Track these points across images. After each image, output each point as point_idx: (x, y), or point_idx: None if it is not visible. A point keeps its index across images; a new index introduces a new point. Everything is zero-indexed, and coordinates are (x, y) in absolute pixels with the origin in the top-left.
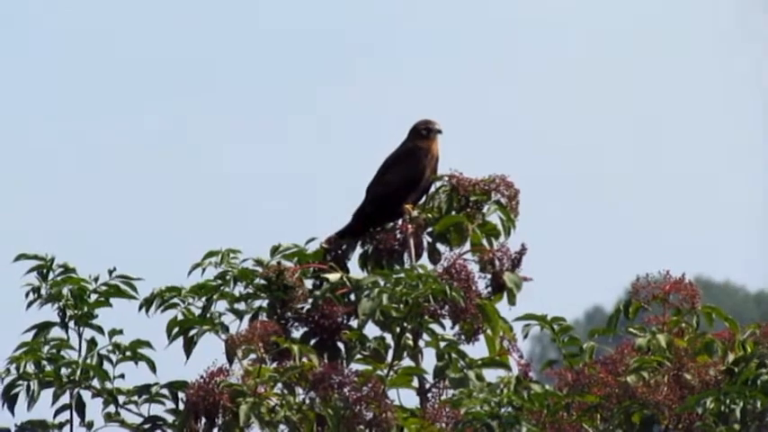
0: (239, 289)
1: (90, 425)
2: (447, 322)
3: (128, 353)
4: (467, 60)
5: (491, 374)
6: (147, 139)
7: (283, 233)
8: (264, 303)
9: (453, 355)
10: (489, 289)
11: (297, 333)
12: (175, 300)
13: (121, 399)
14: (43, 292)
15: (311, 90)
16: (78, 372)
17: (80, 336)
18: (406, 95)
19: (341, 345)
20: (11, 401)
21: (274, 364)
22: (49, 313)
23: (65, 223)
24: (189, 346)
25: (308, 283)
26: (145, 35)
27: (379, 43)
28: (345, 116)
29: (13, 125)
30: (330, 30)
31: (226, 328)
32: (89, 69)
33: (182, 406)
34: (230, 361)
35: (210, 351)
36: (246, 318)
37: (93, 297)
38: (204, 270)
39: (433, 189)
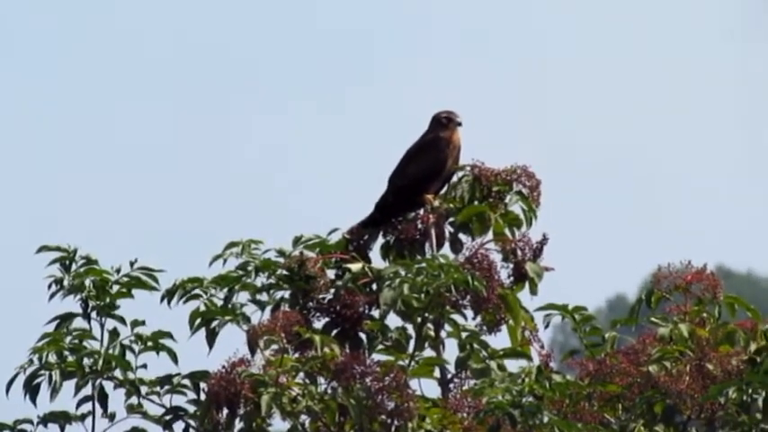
0: (261, 280)
1: (112, 416)
2: (469, 312)
3: (149, 343)
4: (486, 53)
5: (513, 365)
6: (167, 131)
7: (305, 224)
8: (286, 294)
9: (475, 346)
10: (511, 279)
11: (319, 323)
12: (197, 291)
13: (143, 389)
14: (66, 283)
15: (340, 89)
16: (100, 362)
17: (102, 326)
18: (427, 89)
19: (362, 335)
20: (33, 392)
21: (296, 355)
22: (72, 304)
23: (88, 215)
24: (211, 337)
25: (330, 274)
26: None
27: (400, 39)
28: (371, 114)
29: (28, 120)
30: (357, 29)
31: (248, 319)
32: (99, 62)
33: (203, 396)
34: (252, 351)
35: (232, 342)
36: (268, 308)
37: (116, 288)
38: (225, 261)
39: (455, 179)
